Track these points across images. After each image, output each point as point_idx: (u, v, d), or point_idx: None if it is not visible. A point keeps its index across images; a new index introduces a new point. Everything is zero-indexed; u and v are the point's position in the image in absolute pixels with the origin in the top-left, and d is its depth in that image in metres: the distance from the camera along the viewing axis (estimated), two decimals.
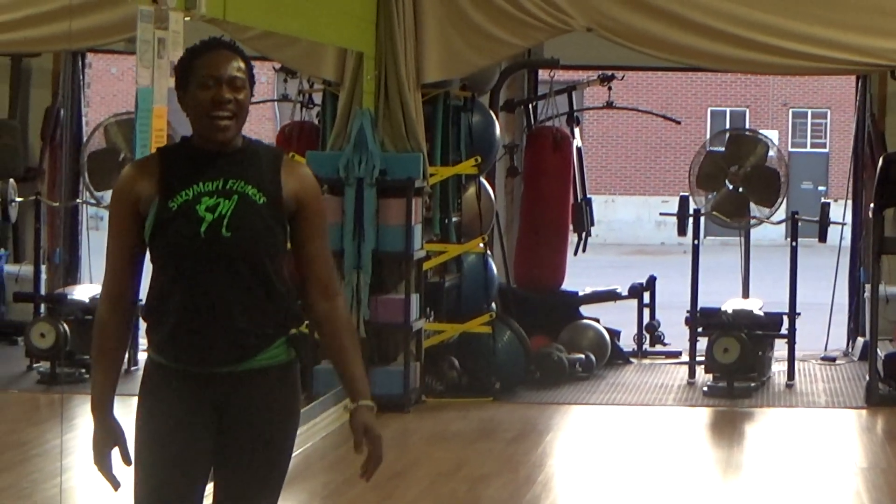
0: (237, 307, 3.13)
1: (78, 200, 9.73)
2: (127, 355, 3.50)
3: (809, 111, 27.04)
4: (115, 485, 3.20)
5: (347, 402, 3.26)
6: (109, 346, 3.19)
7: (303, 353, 3.30)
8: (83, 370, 8.21)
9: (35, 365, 8.58)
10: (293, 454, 3.27)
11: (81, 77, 8.72)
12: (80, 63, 9.15)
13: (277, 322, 3.18)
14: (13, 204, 8.90)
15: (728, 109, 26.62)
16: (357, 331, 3.50)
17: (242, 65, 3.17)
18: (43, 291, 9.18)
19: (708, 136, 10.19)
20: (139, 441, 3.20)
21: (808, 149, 27.19)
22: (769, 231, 10.35)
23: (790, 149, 26.95)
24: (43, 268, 9.25)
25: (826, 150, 26.31)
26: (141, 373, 3.31)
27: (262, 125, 14.23)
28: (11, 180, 8.42)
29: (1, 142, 8.21)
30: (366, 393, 3.24)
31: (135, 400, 3.25)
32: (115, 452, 3.18)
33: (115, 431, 3.17)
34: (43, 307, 8.84)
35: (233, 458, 3.19)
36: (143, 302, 3.24)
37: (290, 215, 3.19)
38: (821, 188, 24.03)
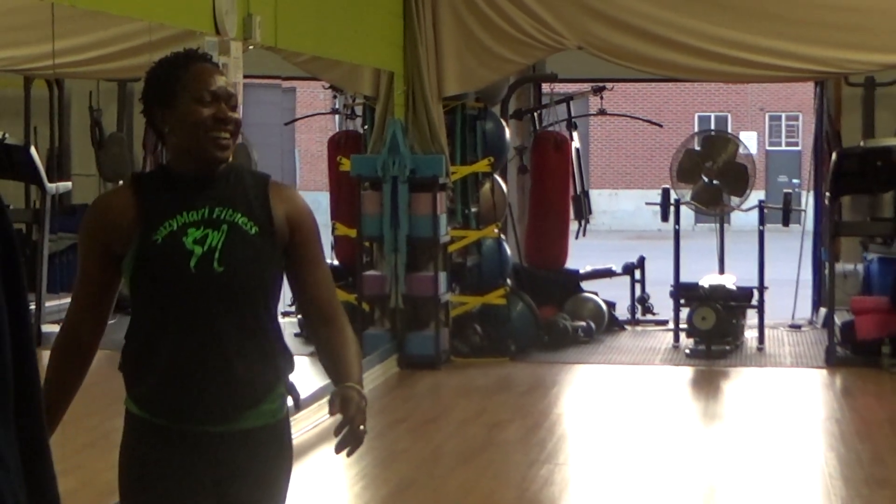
0: (233, 350, 2.43)
1: None
2: None
3: (783, 114, 26.72)
4: None
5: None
6: (50, 402, 2.32)
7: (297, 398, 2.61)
8: None
9: None
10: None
11: None
12: None
13: (274, 365, 2.49)
14: None
15: (712, 114, 26.30)
16: (360, 349, 2.60)
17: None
18: None
19: (691, 138, 10.12)
20: None
21: (783, 147, 26.89)
22: (751, 218, 10.37)
23: (767, 147, 26.61)
24: None
25: (799, 148, 25.98)
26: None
27: (324, 135, 14.44)
28: (121, 182, 8.70)
29: (112, 151, 8.43)
30: (359, 379, 2.53)
31: None
32: None
33: None
34: None
35: None
36: (123, 350, 2.50)
37: (284, 243, 2.51)
38: (794, 181, 23.98)
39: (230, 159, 2.52)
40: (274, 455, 2.51)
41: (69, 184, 8.37)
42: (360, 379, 2.53)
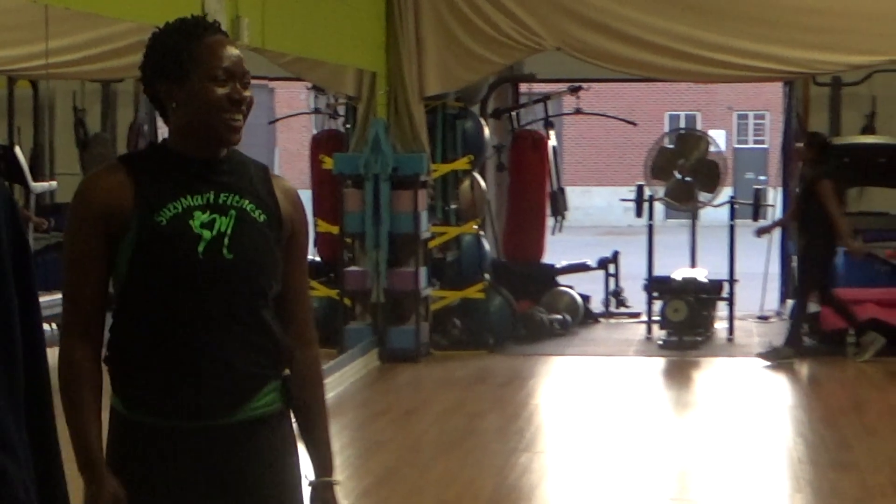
0: (235, 343, 2.21)
1: None
2: None
3: (751, 113, 26.88)
4: None
5: (311, 476, 2.34)
6: (89, 397, 2.19)
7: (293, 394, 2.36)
8: None
9: None
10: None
11: None
12: None
13: (272, 359, 2.28)
14: None
15: (682, 113, 26.43)
16: (324, 385, 2.42)
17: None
18: None
19: (665, 136, 10.19)
20: None
21: (751, 145, 27.02)
22: (720, 213, 10.44)
23: (735, 145, 26.70)
24: None
25: (766, 146, 26.20)
26: None
27: (302, 134, 14.40)
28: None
29: (96, 151, 8.43)
30: (330, 467, 2.33)
31: None
32: None
33: (119, 493, 2.18)
34: None
35: None
36: (109, 342, 2.27)
37: (286, 237, 2.29)
38: (762, 177, 24.14)
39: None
40: (276, 444, 2.28)
41: (54, 183, 8.37)
42: (332, 458, 2.36)
